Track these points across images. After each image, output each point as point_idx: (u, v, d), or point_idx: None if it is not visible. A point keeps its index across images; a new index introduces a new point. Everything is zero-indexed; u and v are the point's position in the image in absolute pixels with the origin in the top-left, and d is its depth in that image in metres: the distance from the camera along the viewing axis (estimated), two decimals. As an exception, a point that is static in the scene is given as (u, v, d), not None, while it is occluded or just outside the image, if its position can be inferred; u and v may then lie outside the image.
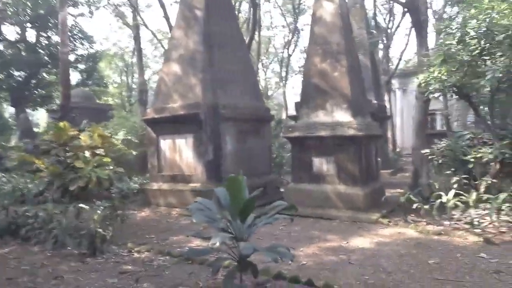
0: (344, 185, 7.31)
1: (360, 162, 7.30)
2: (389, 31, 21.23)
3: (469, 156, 7.42)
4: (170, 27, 15.83)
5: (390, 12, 20.97)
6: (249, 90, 9.33)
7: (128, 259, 4.92)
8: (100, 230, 5.00)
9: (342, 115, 7.46)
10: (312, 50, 8.00)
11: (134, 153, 10.57)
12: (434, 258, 4.61)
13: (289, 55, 26.86)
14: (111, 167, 7.14)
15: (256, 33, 19.49)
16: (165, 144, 8.73)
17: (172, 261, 4.71)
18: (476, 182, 6.96)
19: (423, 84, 6.80)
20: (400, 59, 21.61)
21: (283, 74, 28.09)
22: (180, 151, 8.44)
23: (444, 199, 6.08)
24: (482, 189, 6.81)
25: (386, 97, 19.49)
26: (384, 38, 21.11)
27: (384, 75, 20.03)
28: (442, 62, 6.39)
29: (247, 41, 14.75)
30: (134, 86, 30.31)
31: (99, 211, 5.16)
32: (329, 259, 4.72)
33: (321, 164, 7.56)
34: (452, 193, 6.13)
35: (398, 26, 21.17)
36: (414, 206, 6.47)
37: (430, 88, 6.48)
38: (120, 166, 7.73)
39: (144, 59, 26.17)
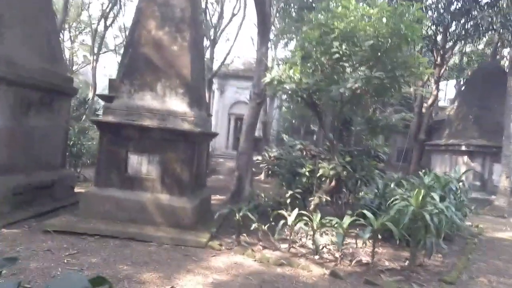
0: (169, 194, 5.54)
1: (191, 165, 5.70)
2: (216, 29, 20.73)
3: (304, 169, 6.92)
4: None
5: (221, 10, 20.47)
6: (43, 45, 6.35)
7: None
8: None
9: (177, 103, 5.69)
10: (148, 10, 5.90)
11: None
12: (292, 310, 3.44)
13: (106, 27, 22.96)
14: None
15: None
16: None
17: None
18: (311, 199, 6.46)
19: (275, 82, 5.75)
20: (225, 59, 21.36)
21: (96, 48, 23.80)
22: None
23: (289, 221, 5.13)
24: (312, 206, 6.36)
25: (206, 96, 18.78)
26: (211, 35, 20.49)
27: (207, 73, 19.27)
28: (302, 60, 5.49)
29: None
30: None
31: None
32: (149, 330, 2.88)
33: (140, 163, 5.56)
34: (295, 213, 5.25)
35: (227, 25, 20.85)
36: (252, 227, 5.31)
37: (287, 87, 5.46)
38: None
39: None
